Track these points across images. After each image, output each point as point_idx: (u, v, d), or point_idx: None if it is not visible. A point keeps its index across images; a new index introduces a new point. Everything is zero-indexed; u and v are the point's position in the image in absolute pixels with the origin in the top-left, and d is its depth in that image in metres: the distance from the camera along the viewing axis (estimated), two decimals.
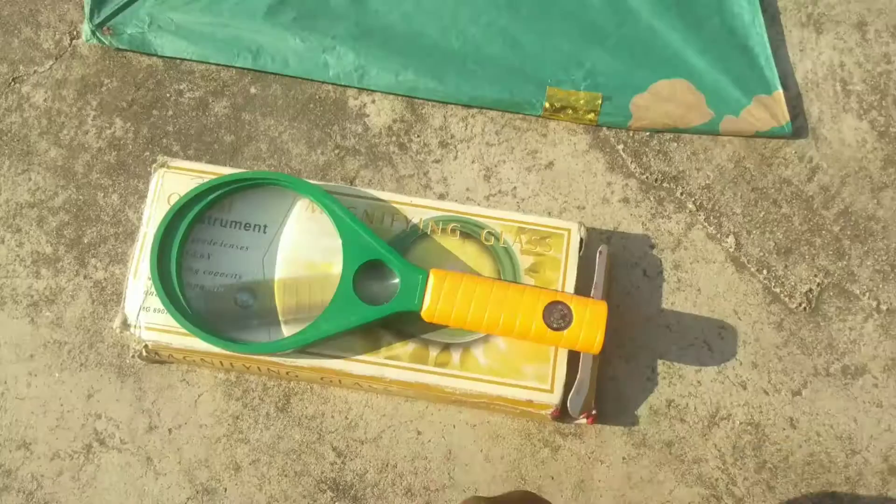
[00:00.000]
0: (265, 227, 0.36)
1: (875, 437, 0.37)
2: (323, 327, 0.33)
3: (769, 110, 0.41)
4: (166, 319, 0.33)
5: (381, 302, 0.34)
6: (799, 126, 0.42)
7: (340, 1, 0.42)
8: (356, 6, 0.42)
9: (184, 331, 0.33)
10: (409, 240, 0.36)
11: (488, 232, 0.36)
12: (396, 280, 0.34)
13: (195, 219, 0.35)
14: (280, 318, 0.34)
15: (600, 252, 0.37)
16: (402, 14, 0.42)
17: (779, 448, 0.37)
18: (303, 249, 0.35)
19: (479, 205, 0.40)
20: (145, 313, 0.34)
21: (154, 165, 0.36)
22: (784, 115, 0.41)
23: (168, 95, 0.41)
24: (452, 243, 0.36)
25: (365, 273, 0.34)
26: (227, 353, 0.33)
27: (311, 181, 0.36)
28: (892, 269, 0.40)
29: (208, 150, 0.40)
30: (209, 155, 0.40)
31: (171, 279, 0.34)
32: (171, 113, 0.41)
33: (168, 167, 0.36)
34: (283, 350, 0.33)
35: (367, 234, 0.34)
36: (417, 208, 0.36)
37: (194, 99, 0.41)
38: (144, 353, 0.34)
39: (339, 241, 0.35)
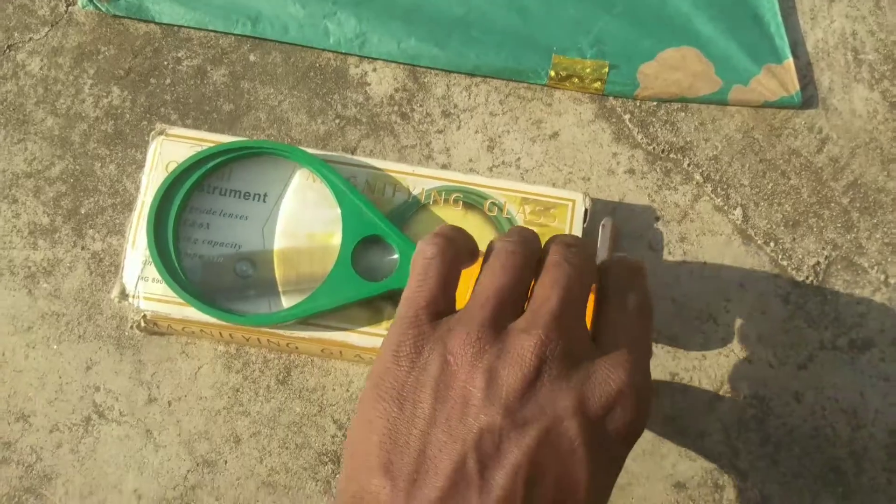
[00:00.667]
0: (265, 195, 0.35)
1: (881, 411, 0.36)
2: (319, 301, 0.32)
3: (779, 79, 0.40)
4: (165, 289, 0.33)
5: (380, 277, 0.33)
6: (809, 96, 0.40)
7: None
8: None
9: (182, 301, 0.32)
10: (410, 210, 0.35)
11: (492, 202, 0.35)
12: (396, 255, 0.33)
13: (192, 187, 0.34)
14: (280, 288, 0.33)
15: (603, 225, 0.36)
16: None
17: (783, 422, 0.36)
18: (303, 219, 0.34)
19: (482, 175, 0.38)
20: (144, 283, 0.33)
21: (152, 133, 0.35)
22: (794, 85, 0.40)
23: (166, 63, 0.40)
24: (455, 214, 0.35)
25: (364, 247, 0.33)
26: (225, 324, 0.33)
27: (311, 150, 0.35)
28: None
29: (207, 119, 0.39)
30: (208, 124, 0.39)
31: (168, 248, 0.33)
32: (168, 81, 0.40)
33: (166, 135, 0.35)
34: (278, 322, 0.33)
35: (368, 208, 0.33)
36: (420, 178, 0.35)
37: (192, 67, 0.40)
38: (143, 324, 0.34)
39: (340, 211, 0.34)
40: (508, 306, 0.25)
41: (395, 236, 0.33)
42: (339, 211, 0.34)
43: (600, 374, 0.25)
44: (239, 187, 0.35)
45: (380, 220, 0.33)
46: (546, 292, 0.25)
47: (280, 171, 0.35)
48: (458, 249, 0.27)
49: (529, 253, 0.27)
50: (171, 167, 0.34)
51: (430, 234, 0.27)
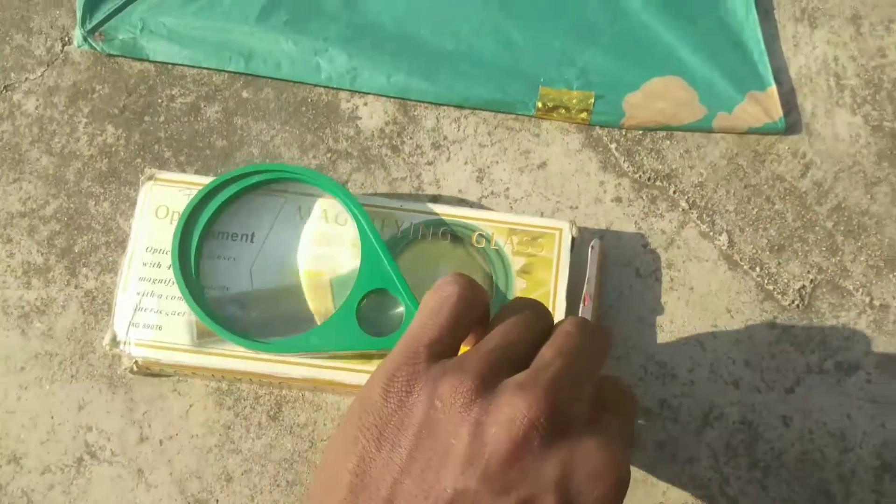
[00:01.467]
0: (252, 235, 0.33)
1: (868, 433, 0.34)
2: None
3: (762, 106, 0.38)
4: (156, 335, 0.31)
5: (383, 328, 0.31)
6: (792, 122, 0.38)
7: (333, 2, 0.39)
8: (348, 8, 0.39)
9: (173, 347, 0.30)
10: (399, 245, 0.33)
11: (479, 234, 0.33)
12: (401, 309, 0.31)
13: (216, 212, 0.32)
14: (272, 329, 0.31)
15: (592, 246, 0.34)
16: (394, 15, 0.39)
17: (772, 446, 0.34)
18: (292, 257, 0.32)
19: (471, 206, 0.37)
20: (134, 329, 0.31)
21: (142, 178, 0.33)
22: (777, 111, 0.38)
23: (160, 101, 0.38)
24: (443, 247, 0.33)
25: (369, 298, 0.31)
26: (218, 367, 0.31)
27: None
28: (885, 265, 0.37)
29: (200, 156, 0.37)
30: (201, 161, 0.37)
31: (192, 276, 0.31)
32: (162, 119, 0.38)
33: (155, 180, 0.33)
34: (301, 352, 0.31)
35: (388, 260, 0.30)
36: (407, 213, 0.33)
37: (186, 104, 0.38)
38: (135, 369, 0.32)
39: (330, 249, 0.32)
40: (508, 363, 0.23)
41: (406, 296, 0.30)
42: (329, 248, 0.32)
43: (587, 449, 0.22)
44: (226, 228, 0.33)
45: (396, 275, 0.30)
46: (552, 355, 0.23)
47: (268, 208, 0.33)
48: (477, 298, 0.25)
49: (543, 323, 0.25)
50: (162, 212, 0.32)
51: (450, 275, 0.25)
